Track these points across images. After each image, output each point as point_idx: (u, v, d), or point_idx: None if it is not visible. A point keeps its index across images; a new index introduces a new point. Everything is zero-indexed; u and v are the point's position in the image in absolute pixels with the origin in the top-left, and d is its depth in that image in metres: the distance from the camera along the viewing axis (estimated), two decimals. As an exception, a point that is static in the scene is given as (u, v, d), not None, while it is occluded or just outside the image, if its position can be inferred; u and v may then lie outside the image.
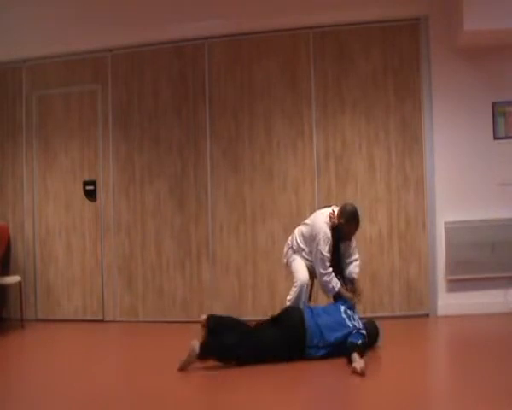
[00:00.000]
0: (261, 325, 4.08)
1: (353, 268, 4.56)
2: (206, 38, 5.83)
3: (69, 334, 5.56)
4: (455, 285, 5.36)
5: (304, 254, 4.56)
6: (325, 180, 5.60)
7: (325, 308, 4.24)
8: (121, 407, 3.29)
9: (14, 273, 6.03)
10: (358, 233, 4.55)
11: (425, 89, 5.46)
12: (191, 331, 4.34)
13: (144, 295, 5.90)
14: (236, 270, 5.72)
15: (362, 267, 4.70)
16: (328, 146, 5.61)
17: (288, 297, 4.45)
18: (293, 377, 3.71)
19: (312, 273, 4.55)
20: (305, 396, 3.32)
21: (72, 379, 3.84)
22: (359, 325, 4.08)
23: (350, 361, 3.69)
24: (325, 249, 4.37)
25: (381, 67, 5.55)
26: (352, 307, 4.26)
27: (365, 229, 5.28)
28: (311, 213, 4.92)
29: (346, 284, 4.48)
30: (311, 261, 4.51)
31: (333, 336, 3.95)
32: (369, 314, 5.01)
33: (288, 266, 4.68)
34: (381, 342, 4.25)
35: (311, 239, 4.49)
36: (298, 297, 4.38)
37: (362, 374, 3.52)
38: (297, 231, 4.67)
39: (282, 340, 3.90)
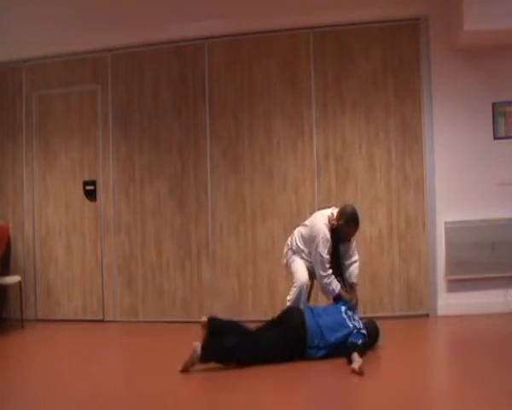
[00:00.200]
0: (262, 327, 4.07)
1: (353, 270, 4.56)
2: (206, 38, 5.83)
3: (69, 334, 5.56)
4: (455, 285, 5.36)
5: (303, 255, 4.56)
6: (325, 180, 5.60)
7: (326, 309, 4.24)
8: (121, 407, 3.29)
9: (14, 273, 6.03)
10: (358, 233, 4.55)
11: (425, 89, 5.46)
12: (191, 332, 4.34)
13: (144, 295, 5.90)
14: (236, 270, 5.72)
15: (362, 267, 4.71)
16: (328, 146, 5.61)
17: (288, 298, 4.45)
18: (293, 377, 3.71)
19: (312, 274, 4.55)
20: (305, 396, 3.32)
21: (72, 379, 3.84)
22: (360, 325, 4.08)
23: (350, 361, 3.69)
24: (324, 251, 4.37)
25: (381, 67, 5.55)
26: (352, 308, 4.26)
27: (365, 229, 5.28)
28: (311, 213, 4.92)
29: (345, 286, 4.48)
30: (311, 262, 4.51)
31: (333, 337, 3.95)
32: (369, 314, 5.01)
33: (287, 266, 4.68)
34: (381, 342, 4.25)
35: (310, 240, 4.49)
36: (298, 298, 4.38)
37: (360, 373, 3.52)
38: (296, 232, 4.66)
39: (282, 341, 3.90)
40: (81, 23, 5.82)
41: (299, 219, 5.10)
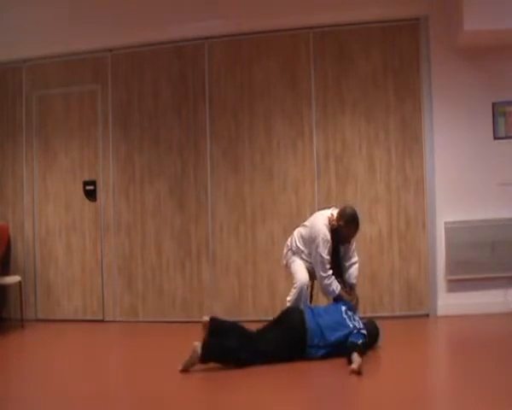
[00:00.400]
0: (262, 329, 4.07)
1: (353, 271, 4.56)
2: (206, 38, 5.83)
3: (69, 334, 5.56)
4: (455, 285, 5.36)
5: (303, 255, 4.55)
6: (325, 181, 5.60)
7: (326, 308, 4.24)
8: (121, 407, 3.29)
9: (14, 273, 6.03)
10: (358, 234, 4.54)
11: (425, 89, 5.46)
12: (191, 332, 4.34)
13: (144, 295, 5.90)
14: (236, 270, 5.72)
15: (362, 268, 4.71)
16: (328, 146, 5.61)
17: (288, 298, 4.44)
18: (294, 377, 3.71)
19: (312, 275, 4.54)
20: (306, 396, 3.32)
21: (72, 379, 3.84)
22: (360, 325, 4.07)
23: (350, 361, 3.69)
24: (325, 252, 4.36)
25: (381, 67, 5.55)
26: (352, 308, 4.26)
27: (365, 229, 5.28)
28: (311, 213, 4.92)
29: (345, 287, 4.48)
30: (311, 263, 4.51)
31: (333, 336, 3.95)
32: (369, 314, 5.00)
33: (287, 267, 4.67)
34: (381, 342, 4.24)
35: (310, 241, 4.48)
36: (297, 298, 4.37)
37: (359, 373, 3.52)
38: (296, 233, 4.66)
39: (282, 342, 3.90)
40: (81, 23, 5.83)
41: (299, 220, 5.10)
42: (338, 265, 4.51)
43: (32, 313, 6.07)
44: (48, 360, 4.47)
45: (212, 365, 3.80)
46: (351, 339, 3.90)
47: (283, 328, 3.96)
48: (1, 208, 6.24)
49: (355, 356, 3.68)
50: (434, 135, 5.44)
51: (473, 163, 5.38)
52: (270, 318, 4.22)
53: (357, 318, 4.17)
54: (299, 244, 4.58)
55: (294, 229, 4.74)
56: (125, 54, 6.01)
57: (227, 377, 3.72)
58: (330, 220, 4.44)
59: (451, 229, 5.32)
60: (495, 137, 5.38)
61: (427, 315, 5.39)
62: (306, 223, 4.65)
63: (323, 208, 4.79)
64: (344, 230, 4.40)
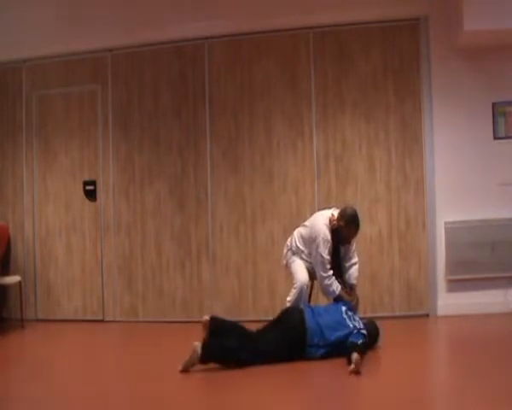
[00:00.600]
0: (262, 329, 4.07)
1: (353, 272, 4.56)
2: (206, 38, 5.83)
3: (69, 334, 5.56)
4: (455, 285, 5.36)
5: (303, 255, 4.55)
6: (325, 181, 5.60)
7: (326, 308, 4.24)
8: (121, 407, 3.29)
9: (14, 273, 6.03)
10: (358, 234, 4.54)
11: (425, 89, 5.46)
12: (191, 332, 4.34)
13: (144, 295, 5.90)
14: (236, 270, 5.72)
15: (362, 268, 4.71)
16: (328, 147, 5.61)
17: (288, 298, 4.44)
18: (294, 377, 3.71)
19: (312, 275, 4.54)
20: (305, 396, 3.32)
21: (73, 379, 3.84)
22: (360, 325, 4.07)
23: (350, 361, 3.69)
24: (325, 252, 4.36)
25: (381, 67, 5.55)
26: (352, 309, 4.26)
27: (365, 229, 5.26)
28: (311, 213, 4.92)
29: (345, 288, 4.48)
30: (311, 263, 4.50)
31: (333, 335, 3.95)
32: (369, 314, 5.00)
33: (287, 267, 4.67)
34: (381, 342, 4.24)
35: (310, 241, 4.48)
36: (297, 298, 4.37)
37: (357, 373, 3.52)
38: (296, 233, 4.66)
39: (282, 342, 3.90)
40: (81, 23, 5.83)
41: (299, 220, 5.10)
42: (338, 265, 4.51)
43: (32, 313, 6.07)
44: (48, 360, 4.47)
45: (212, 365, 3.80)
46: (351, 339, 3.89)
47: (283, 328, 3.96)
48: (1, 208, 6.25)
49: (355, 356, 3.68)
50: (434, 135, 5.44)
51: (473, 163, 5.38)
52: (270, 318, 4.22)
53: (357, 318, 4.17)
54: (299, 244, 4.57)
55: (294, 229, 4.74)
56: (124, 54, 6.01)
57: (227, 377, 3.72)
58: (331, 220, 4.44)
59: (451, 229, 5.32)
60: (495, 138, 5.38)
61: (427, 315, 5.39)
62: (306, 223, 4.65)
63: (323, 208, 4.79)
64: (344, 230, 4.40)
